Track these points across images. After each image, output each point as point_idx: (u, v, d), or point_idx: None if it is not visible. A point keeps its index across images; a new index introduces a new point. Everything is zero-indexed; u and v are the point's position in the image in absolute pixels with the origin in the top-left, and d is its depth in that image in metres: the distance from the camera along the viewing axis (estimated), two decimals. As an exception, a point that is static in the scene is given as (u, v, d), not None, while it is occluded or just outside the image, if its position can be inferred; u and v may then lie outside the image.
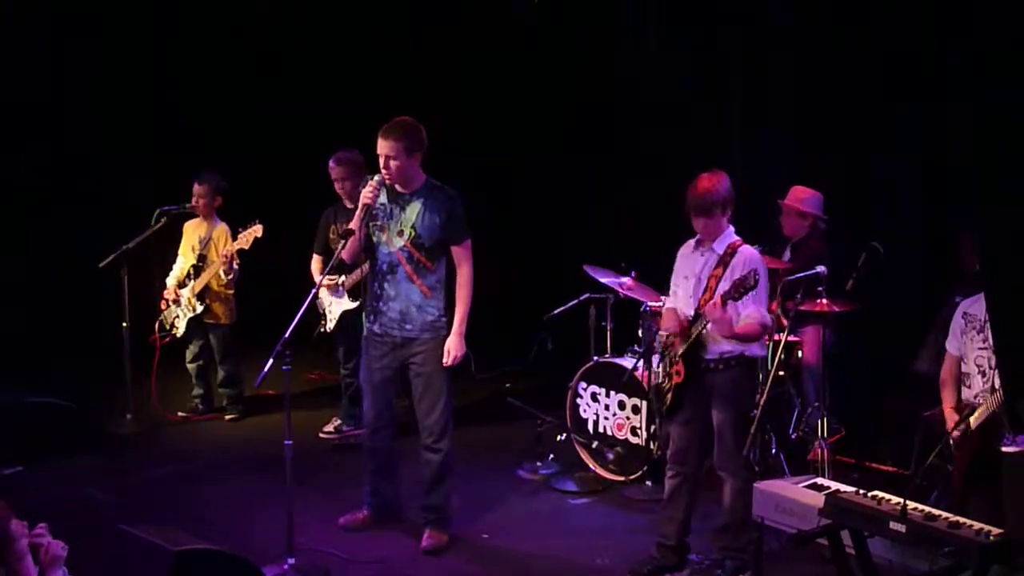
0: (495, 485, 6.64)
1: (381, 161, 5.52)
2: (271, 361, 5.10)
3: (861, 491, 4.39)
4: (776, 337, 6.12)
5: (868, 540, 4.28)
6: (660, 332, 5.79)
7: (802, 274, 6.18)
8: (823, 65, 7.54)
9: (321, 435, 7.45)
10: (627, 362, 6.60)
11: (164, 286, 7.85)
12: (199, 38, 9.55)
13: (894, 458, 6.55)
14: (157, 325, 7.82)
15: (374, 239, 5.63)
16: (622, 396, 6.72)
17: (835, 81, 7.46)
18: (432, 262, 5.61)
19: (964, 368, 5.38)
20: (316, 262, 7.26)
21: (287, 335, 5.11)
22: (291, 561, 5.28)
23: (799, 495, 4.63)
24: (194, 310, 7.69)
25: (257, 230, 7.37)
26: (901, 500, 4.14)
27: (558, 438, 6.97)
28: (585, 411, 6.90)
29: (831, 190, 6.97)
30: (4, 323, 8.25)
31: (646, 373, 6.51)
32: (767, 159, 7.85)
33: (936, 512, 4.15)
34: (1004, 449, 4.98)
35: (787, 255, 6.84)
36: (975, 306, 5.37)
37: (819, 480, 4.90)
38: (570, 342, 7.81)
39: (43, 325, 8.63)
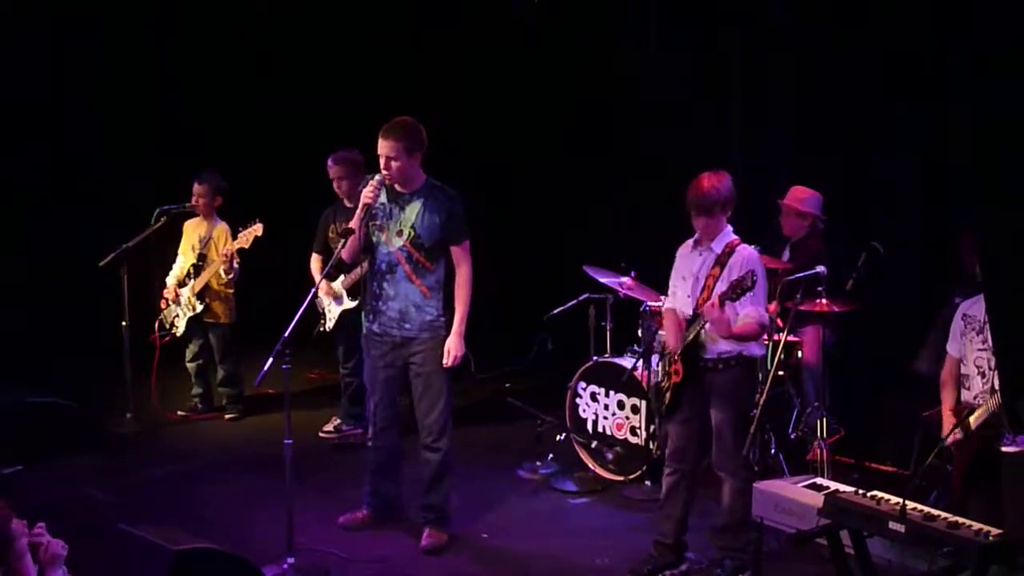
0: (495, 485, 6.64)
1: (381, 161, 5.52)
2: (271, 360, 5.10)
3: (860, 491, 4.39)
4: (776, 337, 6.12)
5: (867, 540, 4.27)
6: (660, 332, 5.80)
7: (802, 274, 6.18)
8: (823, 65, 7.54)
9: (321, 434, 7.46)
10: (627, 362, 6.60)
11: (164, 285, 7.85)
12: (199, 38, 9.55)
13: (894, 458, 6.56)
14: (157, 324, 7.82)
15: (373, 239, 5.64)
16: (621, 396, 6.72)
17: (835, 81, 7.46)
18: (431, 262, 5.61)
19: (963, 370, 5.37)
20: (316, 261, 7.27)
21: (287, 334, 5.11)
22: (291, 560, 5.28)
23: (798, 495, 4.63)
24: (194, 309, 7.69)
25: (257, 229, 7.37)
26: (900, 500, 4.14)
27: (558, 438, 6.97)
28: (585, 411, 6.90)
29: (831, 190, 6.97)
30: (4, 323, 8.26)
31: (645, 373, 6.52)
32: (767, 159, 7.85)
33: (935, 512, 4.15)
34: (1004, 449, 4.99)
35: (786, 255, 6.84)
36: (974, 307, 5.37)
37: (818, 480, 4.89)
38: (570, 342, 7.81)
39: (43, 325, 8.63)
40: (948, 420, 5.31)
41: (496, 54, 9.48)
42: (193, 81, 9.57)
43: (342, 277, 7.12)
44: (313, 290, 5.54)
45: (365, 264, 5.86)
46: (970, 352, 5.33)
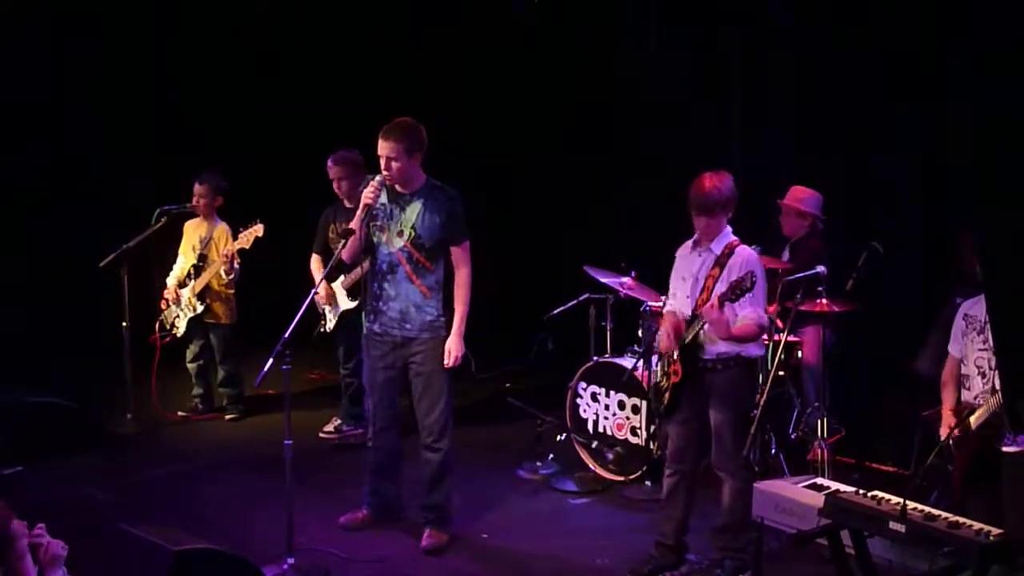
0: (495, 485, 6.64)
1: (382, 162, 5.52)
2: (271, 361, 5.10)
3: (861, 491, 4.39)
4: (776, 337, 6.12)
5: (868, 540, 4.27)
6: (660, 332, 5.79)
7: (802, 274, 6.18)
8: (823, 65, 7.54)
9: (321, 435, 7.46)
10: (627, 362, 6.60)
11: (164, 286, 7.85)
12: (199, 38, 9.55)
13: (894, 458, 6.56)
14: (157, 325, 7.82)
15: (374, 239, 5.64)
16: (622, 396, 6.72)
17: (835, 81, 7.46)
18: (432, 263, 5.61)
19: (964, 370, 5.37)
20: (316, 262, 7.27)
21: (287, 335, 5.11)
22: (291, 561, 5.29)
23: (799, 495, 4.63)
24: (194, 310, 7.69)
25: (258, 229, 7.37)
26: (901, 500, 4.14)
27: (558, 438, 6.97)
28: (585, 411, 6.90)
29: (831, 190, 6.97)
30: (4, 323, 8.26)
31: (646, 373, 6.52)
32: (767, 159, 7.85)
33: (936, 512, 4.15)
34: (1004, 449, 4.99)
35: (786, 255, 6.84)
36: (975, 307, 5.37)
37: (819, 480, 4.89)
38: (570, 342, 7.81)
39: (43, 325, 8.63)
40: (948, 420, 5.31)
41: (496, 54, 9.47)
42: (193, 81, 9.57)
43: (342, 277, 7.12)
44: (313, 291, 5.55)
45: (366, 264, 5.86)
46: (971, 352, 5.33)
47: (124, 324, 7.53)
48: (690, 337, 5.19)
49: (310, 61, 9.87)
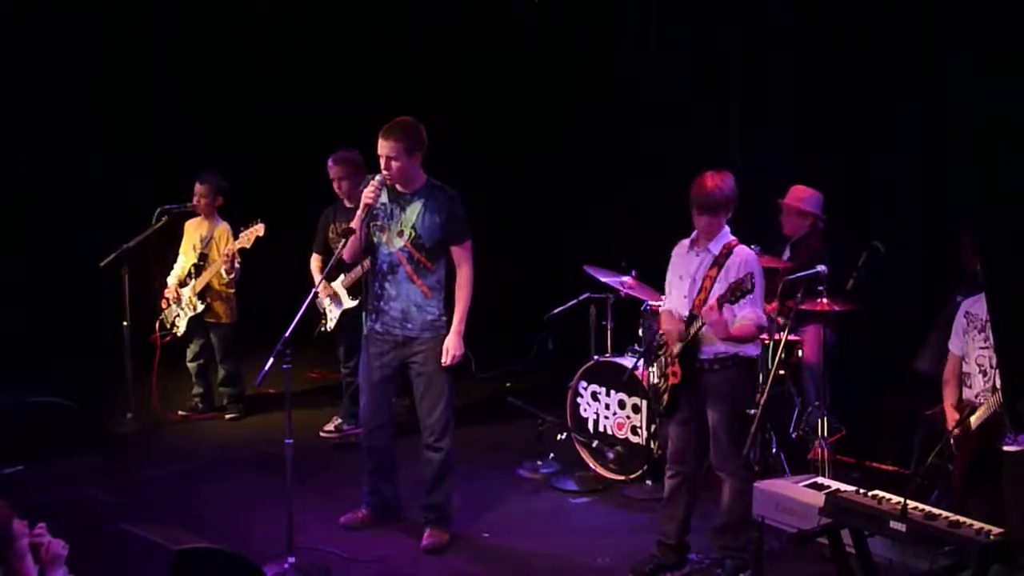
0: (496, 484, 6.64)
1: (382, 162, 5.52)
2: (271, 360, 5.10)
3: (861, 490, 4.39)
4: (776, 336, 6.13)
5: (868, 539, 4.27)
6: (660, 332, 5.79)
7: (802, 273, 6.18)
8: (823, 65, 7.55)
9: (322, 434, 7.46)
10: (627, 361, 6.60)
11: (165, 285, 7.85)
12: (199, 38, 9.55)
13: (894, 457, 6.56)
14: (158, 324, 7.82)
15: (374, 239, 5.64)
16: (622, 395, 6.72)
17: (835, 81, 7.47)
18: (432, 262, 5.61)
19: (965, 368, 5.38)
20: (316, 261, 7.28)
21: (288, 334, 5.11)
22: (291, 560, 5.29)
23: (799, 494, 4.64)
24: (195, 309, 7.69)
25: (259, 229, 7.38)
26: (901, 499, 4.14)
27: (558, 437, 6.97)
28: (585, 410, 6.90)
29: (831, 190, 6.97)
30: (4, 323, 8.26)
31: (646, 372, 6.51)
32: (767, 159, 7.85)
33: (936, 511, 4.15)
34: (1005, 448, 4.99)
35: (786, 254, 6.85)
36: (976, 305, 5.37)
37: (819, 479, 4.90)
38: (570, 342, 7.81)
39: (43, 325, 8.63)
40: (952, 415, 5.32)
41: (496, 54, 9.47)
42: (193, 81, 9.57)
43: (342, 276, 7.12)
44: (313, 290, 5.55)
45: (366, 263, 5.86)
46: (972, 350, 5.33)
47: (124, 324, 7.53)
48: (689, 337, 5.19)
49: (310, 61, 9.87)
